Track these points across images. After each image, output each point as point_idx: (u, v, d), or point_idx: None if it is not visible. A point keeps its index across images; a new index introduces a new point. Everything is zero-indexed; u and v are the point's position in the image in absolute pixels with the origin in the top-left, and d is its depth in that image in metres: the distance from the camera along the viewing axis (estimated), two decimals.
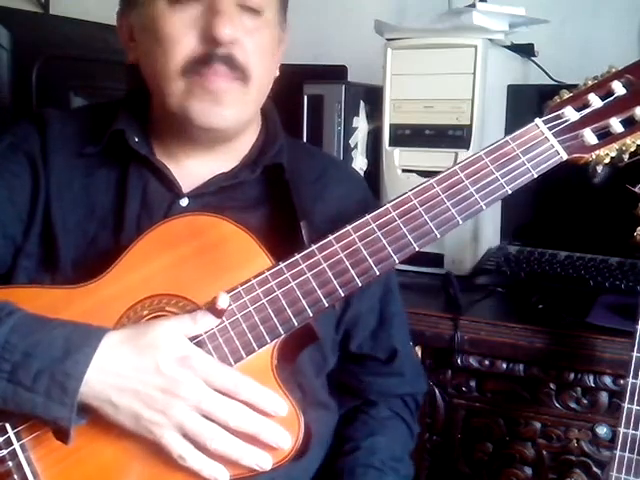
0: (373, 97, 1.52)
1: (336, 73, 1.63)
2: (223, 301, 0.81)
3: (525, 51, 1.56)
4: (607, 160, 0.86)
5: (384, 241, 0.84)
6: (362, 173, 1.54)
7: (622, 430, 0.95)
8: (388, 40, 1.45)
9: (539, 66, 1.58)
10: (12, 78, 1.39)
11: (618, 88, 0.87)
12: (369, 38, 1.51)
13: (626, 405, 0.95)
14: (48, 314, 0.82)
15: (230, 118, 0.91)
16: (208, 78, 0.88)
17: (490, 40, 1.40)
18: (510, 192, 0.85)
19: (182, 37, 0.88)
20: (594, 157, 0.86)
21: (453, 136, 1.40)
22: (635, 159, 0.87)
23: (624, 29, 1.63)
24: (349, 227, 0.84)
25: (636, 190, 0.98)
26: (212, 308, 0.81)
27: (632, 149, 0.86)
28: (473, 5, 1.44)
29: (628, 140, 0.86)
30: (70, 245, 0.92)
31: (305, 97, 1.51)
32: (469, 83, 1.38)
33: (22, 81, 1.38)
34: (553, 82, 1.56)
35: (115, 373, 0.77)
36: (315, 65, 1.65)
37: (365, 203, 1.03)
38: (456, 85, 1.39)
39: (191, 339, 0.81)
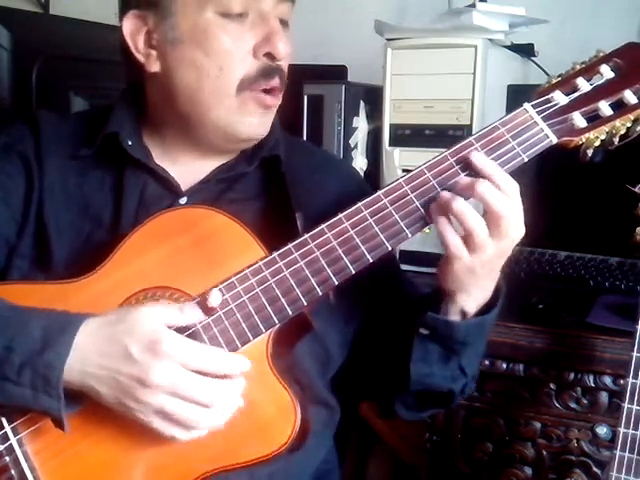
0: (373, 97, 1.52)
1: (336, 73, 1.63)
2: (215, 299, 0.81)
3: (525, 51, 1.56)
4: (597, 143, 0.86)
5: (376, 228, 0.84)
6: (362, 173, 1.54)
7: (622, 430, 0.95)
8: (388, 40, 1.45)
9: (539, 66, 1.58)
10: (12, 78, 1.39)
11: (606, 72, 0.87)
12: (369, 38, 1.50)
13: (626, 405, 0.95)
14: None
15: (268, 128, 0.95)
16: (264, 95, 0.91)
17: (490, 40, 1.40)
18: None
19: (238, 52, 0.89)
20: (584, 140, 0.86)
21: (453, 136, 1.40)
22: (625, 142, 0.87)
23: (624, 29, 1.62)
24: (341, 215, 0.85)
25: (636, 190, 0.98)
26: (203, 303, 0.81)
27: (622, 132, 0.86)
28: (473, 5, 1.44)
29: (617, 123, 0.86)
30: (64, 245, 0.92)
31: (305, 97, 1.51)
32: (469, 83, 1.38)
33: (22, 81, 1.38)
34: None
35: (92, 362, 0.77)
36: (315, 65, 1.65)
37: (359, 197, 1.03)
38: (456, 85, 1.39)
39: (184, 330, 0.81)
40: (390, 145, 1.47)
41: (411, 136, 1.44)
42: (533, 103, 0.87)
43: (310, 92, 1.51)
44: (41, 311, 0.81)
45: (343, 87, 1.50)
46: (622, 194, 0.98)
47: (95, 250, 0.91)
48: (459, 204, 0.81)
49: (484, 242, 0.82)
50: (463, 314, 0.90)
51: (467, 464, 1.26)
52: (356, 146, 1.54)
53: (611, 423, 1.12)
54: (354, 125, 1.53)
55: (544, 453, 1.20)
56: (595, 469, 1.17)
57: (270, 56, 0.90)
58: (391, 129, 1.46)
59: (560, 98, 0.87)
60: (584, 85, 0.87)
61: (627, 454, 0.95)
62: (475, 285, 0.87)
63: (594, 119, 0.86)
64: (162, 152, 0.97)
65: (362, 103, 1.55)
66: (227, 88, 0.90)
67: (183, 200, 0.94)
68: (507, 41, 1.49)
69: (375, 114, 1.54)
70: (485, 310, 0.91)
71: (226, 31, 0.89)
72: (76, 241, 0.93)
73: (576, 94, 0.87)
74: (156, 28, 0.91)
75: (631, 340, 0.96)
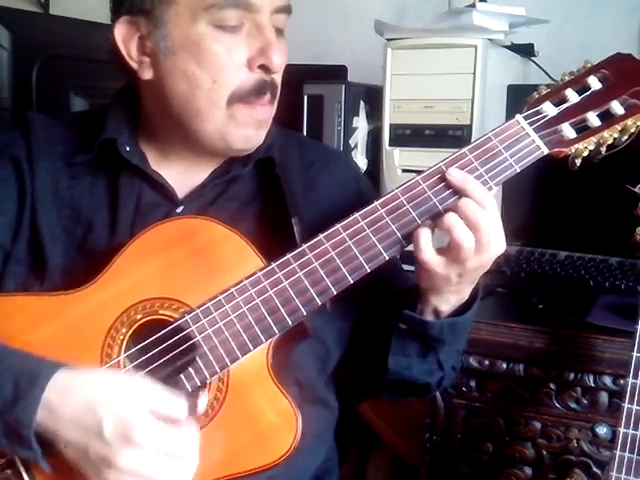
0: (373, 97, 1.52)
1: (336, 73, 1.63)
2: (202, 404, 0.81)
3: (525, 51, 1.56)
4: (586, 153, 0.88)
5: (374, 239, 0.85)
6: None
7: (622, 430, 0.95)
8: (388, 40, 1.45)
9: (539, 66, 1.58)
10: (12, 78, 1.39)
11: (594, 83, 0.89)
12: (369, 38, 1.51)
13: (626, 405, 0.95)
14: (40, 322, 0.83)
15: (263, 138, 0.94)
16: (257, 109, 0.90)
17: (490, 40, 1.40)
18: (494, 188, 0.86)
19: (232, 64, 0.88)
20: (573, 151, 0.88)
21: (453, 136, 1.40)
22: (612, 152, 0.88)
23: (624, 29, 1.63)
24: (339, 225, 0.85)
25: (636, 190, 0.98)
26: (192, 405, 0.80)
27: (609, 142, 0.88)
28: (473, 5, 1.44)
29: (605, 133, 0.88)
30: (58, 251, 0.91)
31: (305, 97, 1.51)
32: (469, 83, 1.38)
33: (22, 81, 1.38)
34: (553, 82, 1.56)
35: (65, 426, 0.76)
36: (315, 65, 1.65)
37: (356, 189, 1.04)
38: (456, 85, 1.39)
39: (186, 339, 0.81)
40: (390, 145, 1.47)
41: (411, 136, 1.44)
42: (524, 114, 0.88)
43: (310, 92, 1.51)
44: (15, 360, 0.79)
45: (343, 87, 1.50)
46: (622, 194, 0.98)
47: (90, 257, 0.90)
48: (450, 217, 0.83)
49: (468, 253, 0.83)
50: (437, 313, 0.91)
51: (467, 464, 1.26)
52: (356, 146, 1.54)
53: (611, 423, 1.12)
54: (354, 125, 1.54)
55: (544, 453, 1.20)
56: (595, 469, 1.17)
57: (265, 68, 0.89)
58: (391, 129, 1.46)
59: (550, 109, 0.88)
60: (573, 96, 0.89)
61: (627, 454, 0.95)
62: (449, 291, 0.89)
63: (583, 130, 0.88)
64: (158, 156, 0.97)
65: (362, 103, 1.55)
66: (219, 99, 0.89)
67: (179, 209, 0.94)
68: (507, 41, 1.49)
69: (375, 114, 1.54)
70: (461, 311, 0.91)
71: (220, 43, 0.87)
72: (70, 247, 0.92)
73: (565, 105, 0.89)
74: (149, 35, 0.89)
75: (631, 340, 0.96)
